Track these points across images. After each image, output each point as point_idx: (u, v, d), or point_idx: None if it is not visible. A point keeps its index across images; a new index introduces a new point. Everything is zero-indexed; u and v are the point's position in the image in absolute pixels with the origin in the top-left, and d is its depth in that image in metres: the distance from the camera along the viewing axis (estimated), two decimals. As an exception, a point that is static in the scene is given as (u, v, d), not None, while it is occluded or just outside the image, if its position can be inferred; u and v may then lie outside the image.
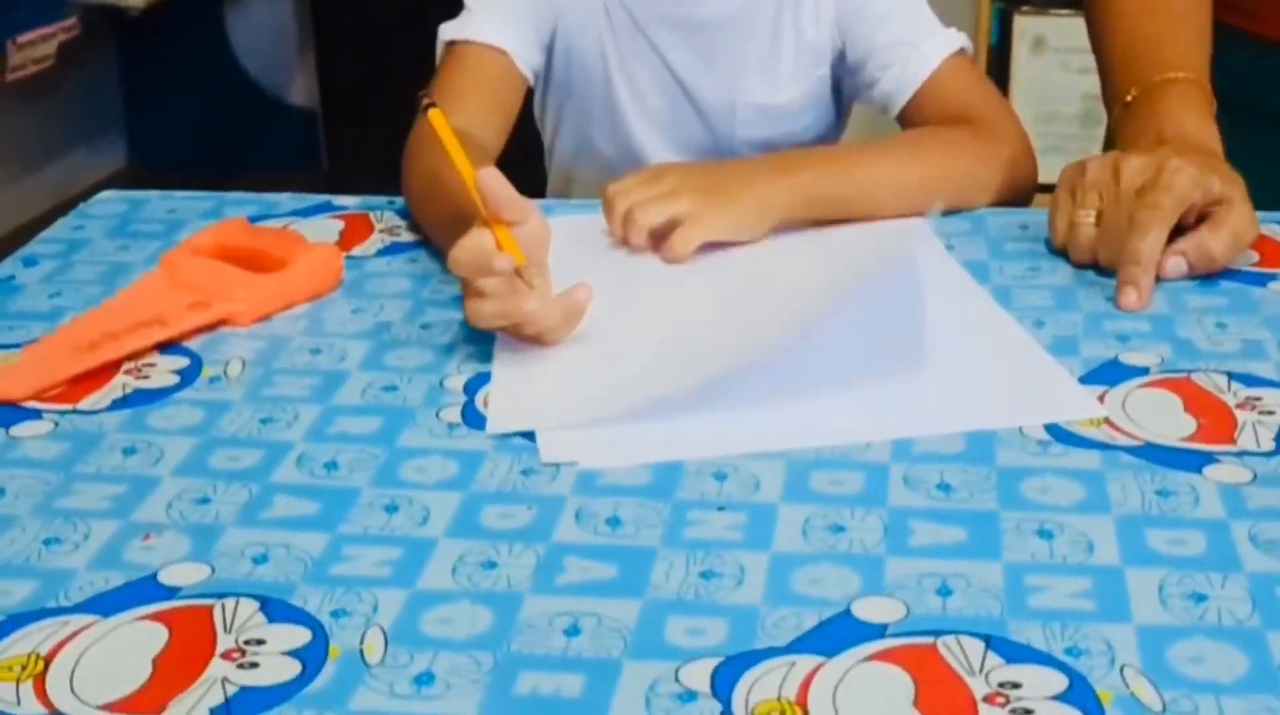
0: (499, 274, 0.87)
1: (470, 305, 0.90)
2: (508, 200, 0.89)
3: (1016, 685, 0.63)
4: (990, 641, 0.65)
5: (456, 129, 1.14)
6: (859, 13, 1.22)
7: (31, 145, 3.19)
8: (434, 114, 0.94)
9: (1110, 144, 1.18)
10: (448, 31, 1.21)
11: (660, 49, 1.24)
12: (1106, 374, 0.89)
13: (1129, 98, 1.14)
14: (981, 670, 0.64)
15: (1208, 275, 1.01)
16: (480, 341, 0.94)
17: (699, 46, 1.24)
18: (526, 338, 0.92)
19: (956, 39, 1.21)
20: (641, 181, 1.08)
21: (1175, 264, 1.00)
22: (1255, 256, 1.05)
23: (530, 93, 1.27)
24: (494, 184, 0.89)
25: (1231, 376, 0.88)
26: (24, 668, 0.65)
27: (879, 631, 0.66)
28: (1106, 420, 0.83)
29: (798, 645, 0.66)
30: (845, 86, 1.28)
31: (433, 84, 1.20)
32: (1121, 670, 0.63)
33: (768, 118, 1.26)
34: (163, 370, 0.92)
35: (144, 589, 0.70)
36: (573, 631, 0.67)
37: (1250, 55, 1.27)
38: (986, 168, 1.14)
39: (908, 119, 1.21)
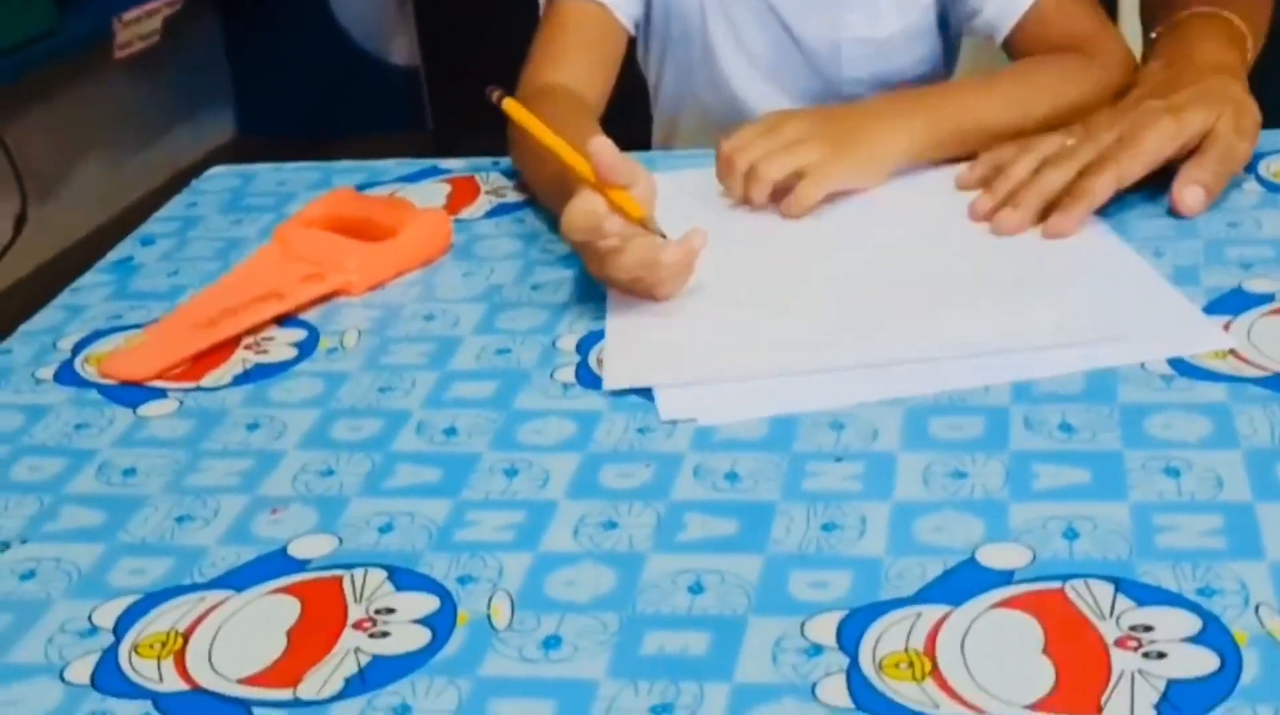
0: (611, 235, 0.87)
1: (606, 261, 0.89)
2: (617, 165, 0.89)
3: (1149, 628, 0.62)
4: (1119, 584, 0.64)
5: (559, 87, 1.14)
6: None
7: (142, 121, 3.25)
8: (509, 104, 0.94)
9: None
10: None
11: None
12: (1230, 303, 0.87)
13: (1153, 34, 1.11)
14: (1112, 614, 0.63)
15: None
16: (591, 300, 0.95)
17: None
18: (641, 293, 0.92)
19: None
20: (760, 134, 1.06)
21: (1193, 194, 0.97)
22: (1383, 173, 1.02)
23: (633, 42, 1.26)
24: (604, 152, 0.89)
25: (1361, 300, 0.86)
26: (164, 645, 0.67)
27: (1005, 578, 0.66)
28: (1232, 351, 0.81)
29: (923, 595, 0.65)
30: (951, 17, 1.26)
31: (534, 40, 1.20)
32: (1257, 609, 0.62)
33: (872, 53, 1.24)
34: (281, 343, 0.94)
35: (274, 562, 0.72)
36: (696, 589, 0.67)
37: None
38: (1097, 95, 1.11)
39: (1013, 48, 1.19)
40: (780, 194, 1.04)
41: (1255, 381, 0.78)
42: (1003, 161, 1.02)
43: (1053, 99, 1.10)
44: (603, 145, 0.89)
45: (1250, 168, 1.02)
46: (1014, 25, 1.18)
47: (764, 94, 1.26)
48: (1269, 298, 0.87)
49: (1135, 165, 0.97)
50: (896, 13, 1.23)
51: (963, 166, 1.07)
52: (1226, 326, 0.84)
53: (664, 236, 0.90)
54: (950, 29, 1.28)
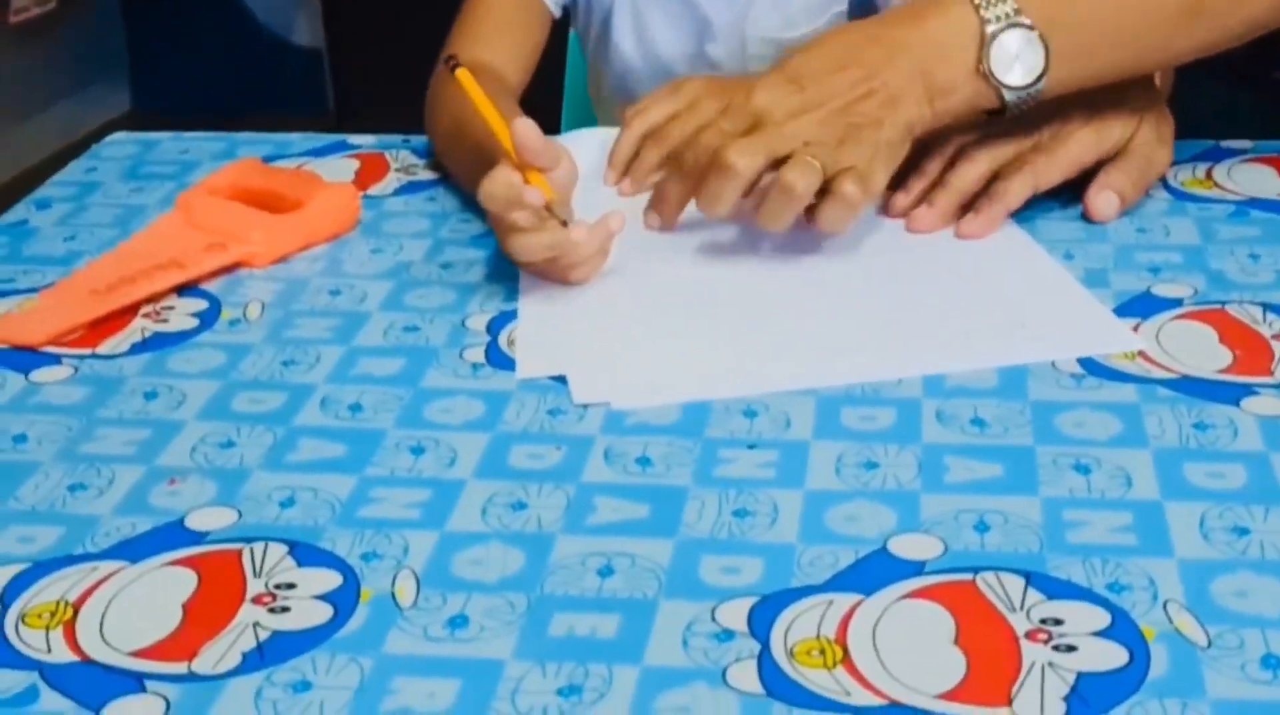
0: (529, 207, 0.86)
1: (513, 240, 0.88)
2: (539, 148, 0.88)
3: (1059, 621, 0.62)
4: (1030, 578, 0.64)
5: (480, 64, 1.12)
6: None
7: (34, 89, 3.17)
8: (462, 73, 0.93)
9: None
10: None
11: None
12: (1139, 306, 0.87)
13: None
14: (1022, 606, 0.63)
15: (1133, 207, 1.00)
16: (502, 280, 0.93)
17: None
18: (554, 275, 0.91)
19: None
20: (663, 96, 1.05)
21: (1106, 200, 0.98)
22: (1287, 185, 1.03)
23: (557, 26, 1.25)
24: (527, 134, 0.87)
25: (1266, 307, 0.87)
26: (53, 615, 0.64)
27: (917, 568, 0.65)
28: (1141, 353, 0.82)
29: (835, 583, 0.65)
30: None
31: (458, 17, 1.18)
32: (1165, 605, 0.62)
33: (777, 51, 1.24)
34: (181, 313, 0.91)
35: (171, 534, 0.70)
36: (606, 572, 0.66)
37: None
38: None
39: None
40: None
41: (1163, 382, 0.79)
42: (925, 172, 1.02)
43: None
44: (525, 126, 0.88)
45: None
46: None
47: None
48: (1177, 302, 0.88)
49: (1052, 171, 0.97)
50: (807, 15, 1.23)
51: None
52: (1136, 328, 0.85)
53: (565, 223, 0.88)
54: None
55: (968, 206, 0.97)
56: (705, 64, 1.25)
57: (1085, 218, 0.98)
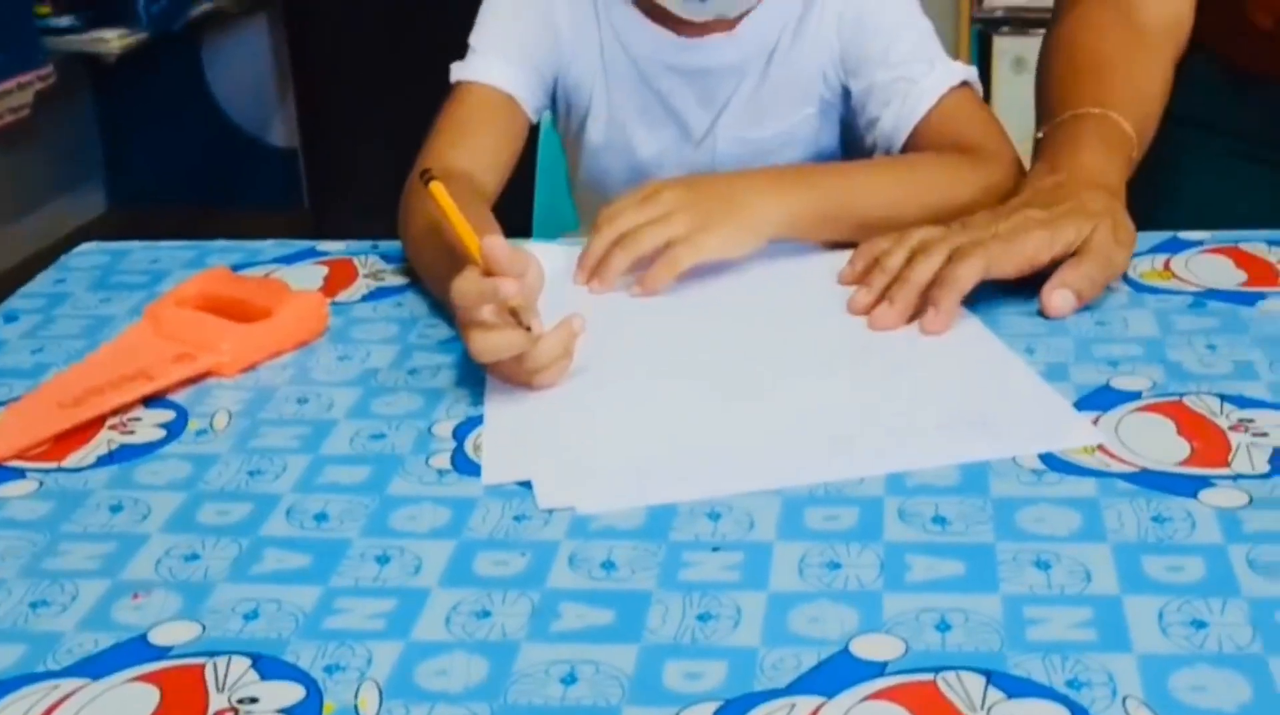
0: (499, 303, 0.87)
1: (475, 338, 0.89)
2: (510, 261, 0.89)
3: (1020, 721, 0.62)
4: (991, 676, 0.65)
5: (456, 170, 1.14)
6: (862, 52, 1.21)
7: (10, 195, 3.19)
8: (436, 187, 0.95)
9: None
10: (456, 71, 1.22)
11: (661, 93, 1.24)
12: (1099, 400, 0.88)
13: (1039, 134, 1.15)
14: (983, 706, 0.63)
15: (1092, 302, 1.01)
16: (468, 385, 0.94)
17: (699, 90, 1.24)
18: (519, 379, 0.91)
19: (959, 72, 1.21)
20: (636, 203, 1.07)
21: (1062, 297, 0.99)
22: (1243, 276, 1.05)
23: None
24: (497, 251, 0.89)
25: (1224, 398, 0.88)
26: (15, 735, 0.64)
27: (878, 669, 0.66)
28: (1101, 447, 0.83)
29: (797, 686, 0.65)
30: (854, 126, 1.27)
31: (437, 121, 1.20)
32: (1124, 701, 0.63)
33: (748, 150, 1.26)
34: (148, 424, 0.92)
35: (134, 649, 0.70)
36: (570, 680, 0.66)
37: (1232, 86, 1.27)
38: (983, 193, 1.13)
39: (908, 151, 1.21)
40: (647, 264, 1.05)
41: (1122, 476, 0.80)
42: (879, 253, 1.04)
43: (937, 190, 1.12)
44: (494, 244, 0.89)
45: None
46: (910, 130, 1.20)
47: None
48: (1136, 395, 0.89)
49: (1005, 260, 0.99)
50: (776, 117, 1.25)
51: (846, 259, 1.08)
52: (1095, 422, 0.86)
53: (529, 329, 0.89)
54: (853, 137, 1.30)
55: (925, 300, 0.99)
56: (676, 160, 1.26)
57: (1040, 314, 0.99)
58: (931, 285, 0.98)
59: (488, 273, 0.89)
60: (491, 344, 0.89)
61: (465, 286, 0.89)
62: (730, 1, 1.17)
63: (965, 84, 1.21)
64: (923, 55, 1.21)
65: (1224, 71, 1.26)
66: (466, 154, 1.15)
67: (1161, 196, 1.21)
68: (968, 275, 0.97)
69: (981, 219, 1.03)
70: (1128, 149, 1.12)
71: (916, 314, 0.98)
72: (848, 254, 1.08)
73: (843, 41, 1.22)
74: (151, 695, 0.66)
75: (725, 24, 1.21)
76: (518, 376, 0.91)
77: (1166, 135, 1.17)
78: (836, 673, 0.66)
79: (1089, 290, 1.00)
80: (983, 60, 2.76)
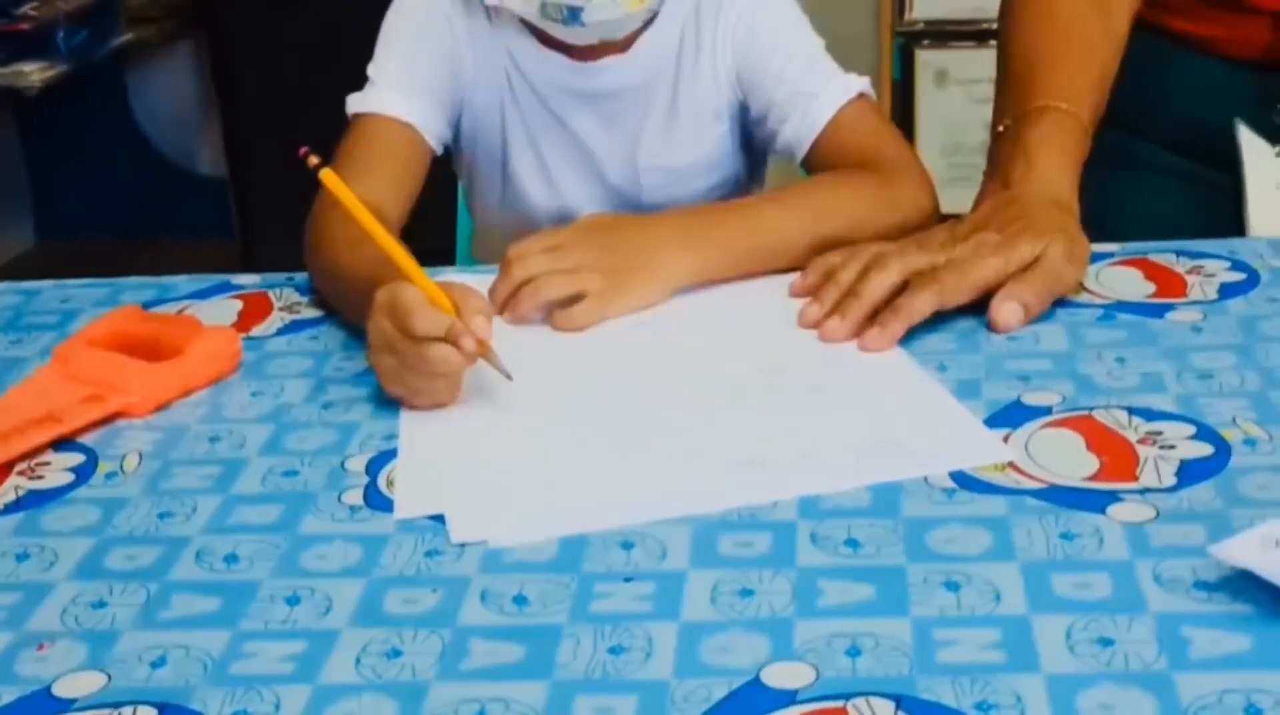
0: (473, 336, 0.90)
1: (434, 350, 0.90)
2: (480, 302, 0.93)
3: (928, 746, 0.62)
4: (900, 701, 0.65)
5: (361, 201, 1.14)
6: (757, 68, 1.22)
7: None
8: (327, 174, 0.94)
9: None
10: (354, 104, 1.21)
11: (563, 118, 1.24)
12: (1009, 416, 0.89)
13: (1001, 127, 1.15)
14: (893, 732, 0.63)
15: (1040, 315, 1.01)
16: (383, 417, 0.93)
17: (602, 114, 1.24)
18: (432, 398, 0.92)
19: (855, 84, 1.22)
20: (544, 250, 1.07)
21: (1010, 311, 0.99)
22: (1152, 288, 1.06)
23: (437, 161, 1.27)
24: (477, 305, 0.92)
25: (1132, 411, 0.88)
26: (-87, 796, 0.63)
27: (789, 698, 0.66)
28: (1011, 464, 0.83)
29: (708, 718, 0.65)
30: (756, 140, 1.28)
31: (336, 156, 1.19)
32: (1032, 723, 0.63)
33: (670, 181, 1.26)
34: (57, 468, 0.90)
35: (37, 703, 0.68)
36: (480, 718, 0.65)
37: (1196, 71, 1.28)
38: (884, 211, 1.14)
39: (812, 167, 1.22)
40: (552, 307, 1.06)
41: (1031, 493, 0.80)
42: (831, 268, 1.04)
43: (845, 216, 1.13)
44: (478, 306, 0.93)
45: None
46: (810, 144, 1.21)
47: (563, 216, 1.27)
48: (1046, 410, 0.89)
49: (959, 291, 0.99)
50: (693, 142, 1.25)
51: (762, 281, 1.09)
52: (1006, 438, 0.86)
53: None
54: (755, 151, 1.31)
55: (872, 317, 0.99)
56: (604, 192, 1.26)
57: (989, 328, 1.00)
58: (883, 306, 0.99)
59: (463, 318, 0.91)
60: (455, 356, 0.90)
61: (426, 326, 0.90)
62: (611, 25, 1.17)
63: (862, 95, 1.22)
64: (818, 70, 1.22)
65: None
66: (366, 186, 1.14)
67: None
68: (921, 307, 0.98)
69: (937, 239, 1.03)
70: (1083, 149, 1.13)
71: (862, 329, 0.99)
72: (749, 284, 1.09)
73: (738, 61, 1.23)
74: (54, 749, 0.65)
75: (616, 46, 1.21)
76: (427, 396, 0.92)
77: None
78: (747, 703, 0.65)
79: (1036, 305, 1.00)
80: (905, 73, 2.77)
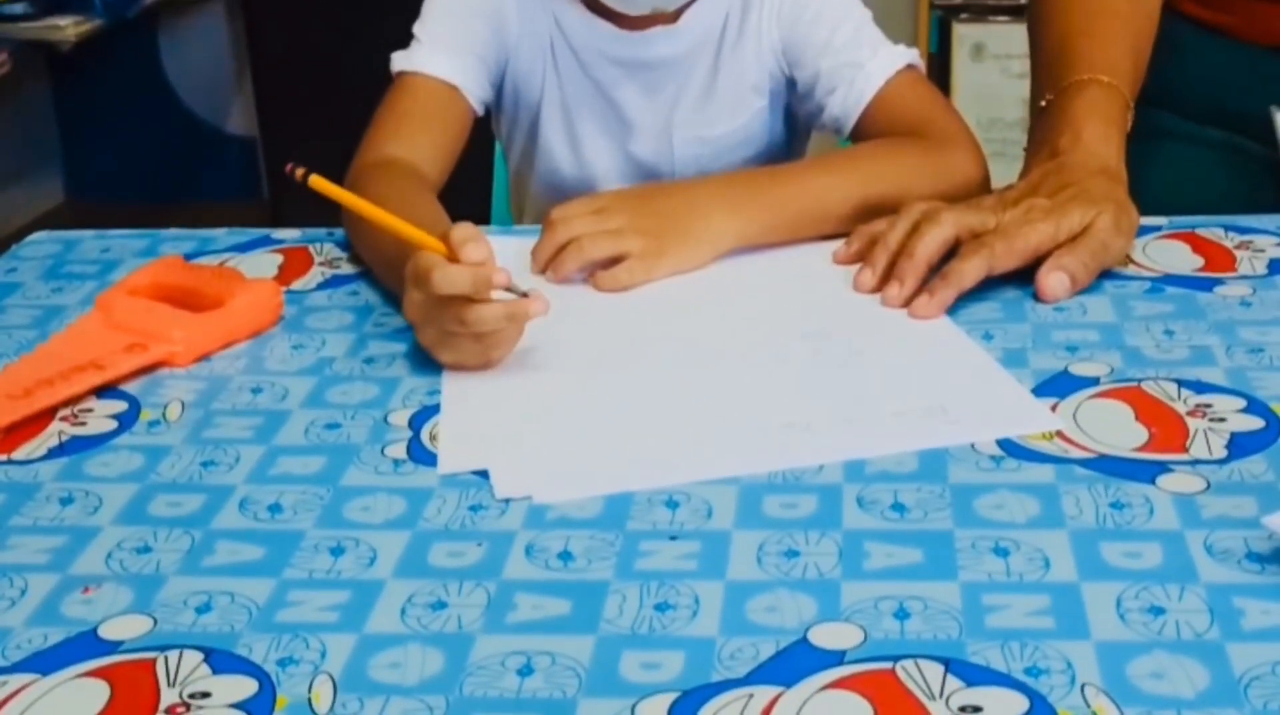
0: (498, 285, 0.89)
1: (473, 310, 0.89)
2: (485, 249, 0.90)
3: (977, 709, 0.62)
4: (949, 665, 0.64)
5: (398, 160, 1.13)
6: (803, 41, 1.21)
7: (-34, 184, 3.15)
8: (315, 180, 0.94)
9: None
10: (398, 62, 1.20)
11: (604, 87, 1.23)
12: (1057, 385, 0.88)
13: (1043, 102, 1.14)
14: (942, 694, 0.63)
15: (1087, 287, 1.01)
16: (424, 374, 0.93)
17: (644, 84, 1.23)
18: (476, 360, 0.91)
19: (903, 55, 1.21)
20: (589, 212, 1.07)
21: (1058, 280, 0.99)
22: (1200, 262, 1.05)
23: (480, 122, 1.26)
24: (471, 237, 0.90)
25: (1181, 384, 0.88)
26: (-39, 732, 0.63)
27: (837, 658, 0.65)
28: (1059, 433, 0.83)
29: (755, 676, 0.64)
30: (800, 115, 1.27)
31: (379, 112, 1.19)
32: (1082, 689, 0.62)
33: (704, 149, 1.25)
34: (100, 415, 0.90)
35: (84, 644, 0.69)
36: (526, 671, 0.65)
37: (1226, 58, 1.28)
38: (931, 178, 1.13)
39: (860, 138, 1.20)
40: (596, 268, 1.05)
41: (1080, 462, 0.80)
42: (876, 234, 1.03)
43: (892, 181, 1.12)
44: (467, 232, 0.90)
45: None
46: (859, 116, 1.20)
47: (598, 180, 1.26)
48: (1094, 381, 0.89)
49: (1009, 258, 0.99)
50: (729, 113, 1.24)
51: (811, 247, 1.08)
52: (1054, 408, 0.85)
53: (524, 294, 0.91)
54: (799, 125, 1.30)
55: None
56: (632, 163, 1.26)
57: (1036, 297, 0.99)
58: (935, 266, 0.98)
59: (453, 258, 0.88)
60: (487, 315, 0.89)
61: (454, 273, 0.88)
62: None
63: (910, 67, 1.21)
64: (865, 41, 1.21)
65: (1220, 49, 1.27)
66: (407, 145, 1.14)
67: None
68: (971, 273, 0.97)
69: (987, 203, 1.02)
70: (1126, 121, 1.12)
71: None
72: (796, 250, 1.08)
73: (783, 32, 1.22)
74: (102, 690, 0.65)
75: (666, 17, 1.21)
76: (476, 355, 0.91)
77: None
78: (795, 662, 0.65)
79: (1084, 275, 1.00)
80: (942, 47, 2.76)
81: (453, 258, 0.89)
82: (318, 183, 0.94)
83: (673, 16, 1.21)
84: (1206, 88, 1.29)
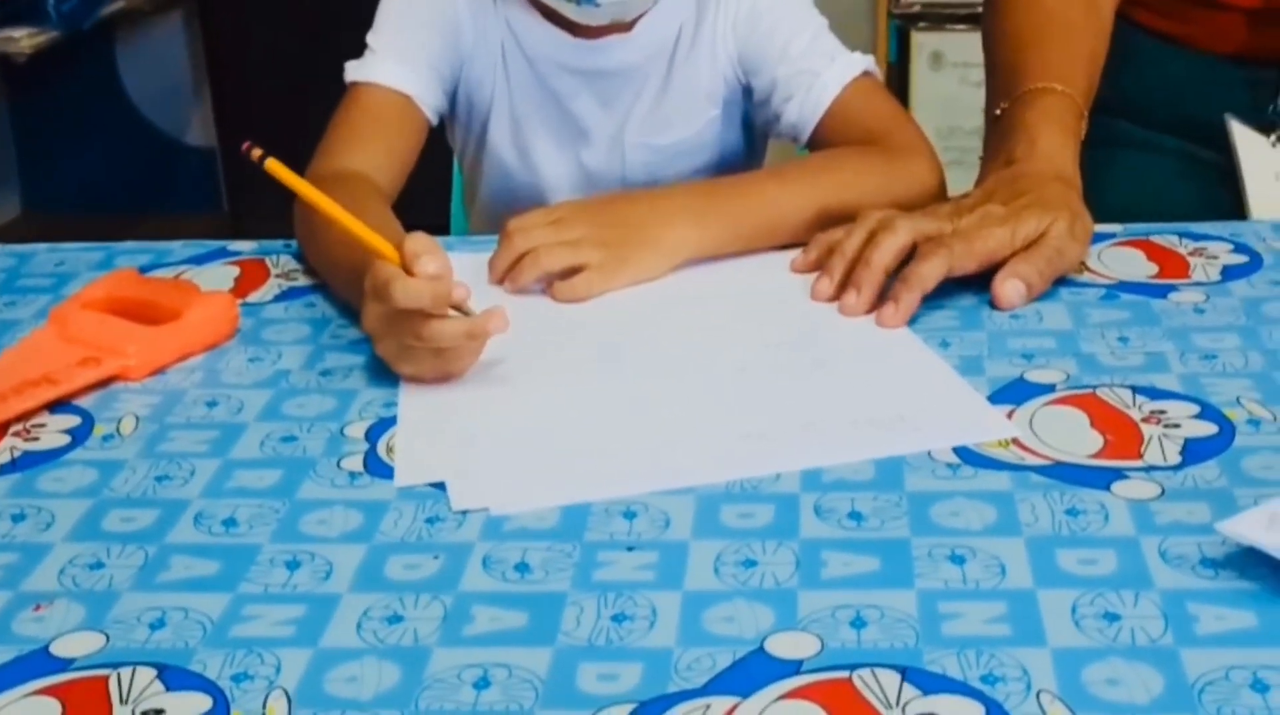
0: (453, 301, 0.89)
1: (432, 326, 0.88)
2: (442, 260, 0.90)
3: (934, 717, 0.62)
4: (906, 673, 0.64)
5: (351, 171, 1.13)
6: (760, 49, 1.21)
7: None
8: (272, 163, 0.93)
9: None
10: (351, 72, 1.20)
11: (559, 96, 1.23)
12: (1013, 393, 0.89)
13: (998, 110, 1.15)
14: (898, 703, 0.63)
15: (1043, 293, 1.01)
16: (381, 386, 0.93)
17: (599, 92, 1.23)
18: (435, 373, 0.91)
19: (859, 62, 1.21)
20: (547, 223, 1.07)
21: (1014, 288, 0.99)
22: (1155, 268, 1.06)
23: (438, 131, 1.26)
24: (426, 247, 0.90)
25: (1136, 390, 0.88)
26: (-91, 753, 0.62)
27: (793, 668, 0.65)
28: (1015, 440, 0.83)
29: (712, 686, 0.64)
30: (757, 122, 1.28)
31: (332, 122, 1.18)
32: (1038, 696, 0.63)
33: (655, 156, 1.25)
34: (53, 430, 0.90)
35: (35, 662, 0.68)
36: (482, 684, 0.65)
37: (1182, 67, 1.29)
38: (889, 186, 1.13)
39: (817, 146, 1.21)
40: (551, 279, 1.05)
41: (1036, 470, 0.80)
42: (834, 242, 1.04)
43: (849, 190, 1.12)
44: (422, 243, 0.90)
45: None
46: (815, 124, 1.20)
47: (549, 189, 1.26)
48: (1049, 388, 0.89)
49: (968, 258, 0.99)
50: (683, 121, 1.24)
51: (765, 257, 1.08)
52: (1010, 415, 0.86)
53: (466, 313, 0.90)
54: (756, 133, 1.30)
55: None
56: (583, 171, 1.26)
57: (992, 305, 1.00)
58: (895, 279, 0.98)
59: (408, 269, 0.88)
60: (450, 330, 0.89)
61: (414, 288, 0.88)
62: (624, 6, 1.17)
63: (867, 74, 1.21)
64: (822, 49, 1.21)
65: (1172, 58, 1.28)
66: (360, 156, 1.14)
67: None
68: (931, 274, 0.98)
69: (945, 209, 1.03)
70: (1080, 129, 1.13)
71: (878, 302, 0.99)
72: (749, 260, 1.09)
73: (740, 40, 1.22)
74: (53, 709, 0.65)
75: (621, 26, 1.21)
76: (435, 370, 0.91)
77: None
78: (752, 672, 0.65)
79: (1039, 282, 1.00)
80: (901, 55, 2.77)
81: (407, 269, 0.89)
82: (274, 167, 0.93)
83: (628, 25, 1.21)
84: (1162, 96, 1.30)
